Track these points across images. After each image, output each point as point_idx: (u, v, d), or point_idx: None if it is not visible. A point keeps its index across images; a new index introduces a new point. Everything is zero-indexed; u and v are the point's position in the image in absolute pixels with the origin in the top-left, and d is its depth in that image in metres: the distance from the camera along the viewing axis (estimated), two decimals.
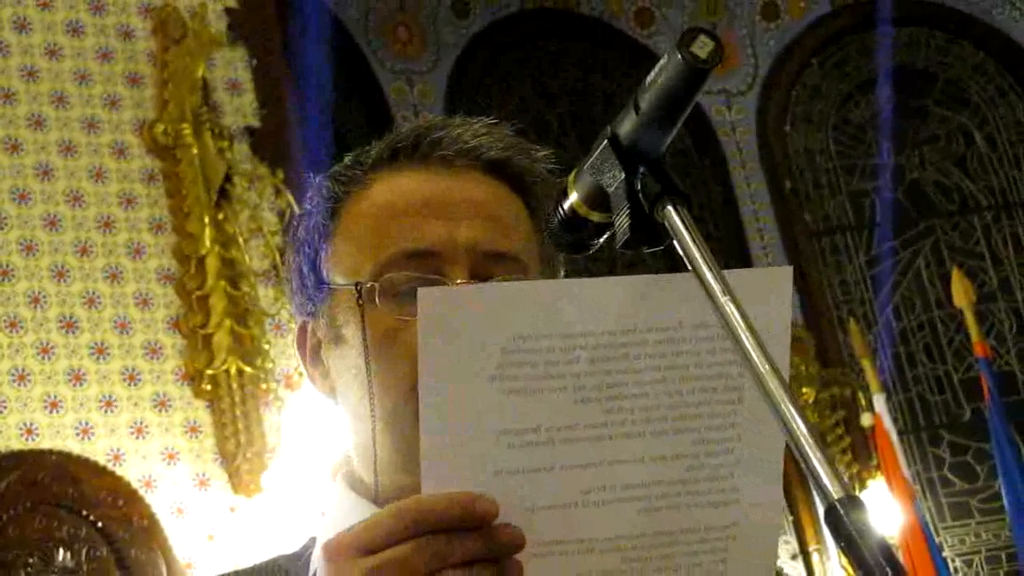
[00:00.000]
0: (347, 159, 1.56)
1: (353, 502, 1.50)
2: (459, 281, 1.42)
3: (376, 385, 1.44)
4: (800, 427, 0.99)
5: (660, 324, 1.13)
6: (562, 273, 1.56)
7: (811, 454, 0.98)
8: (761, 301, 1.14)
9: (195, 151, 5.26)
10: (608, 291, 1.14)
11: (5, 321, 4.88)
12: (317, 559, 1.47)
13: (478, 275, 1.44)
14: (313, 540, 1.54)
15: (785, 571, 1.64)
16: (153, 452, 4.94)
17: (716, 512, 1.17)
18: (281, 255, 5.28)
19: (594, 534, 1.15)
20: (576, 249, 1.25)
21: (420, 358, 1.12)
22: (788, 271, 1.17)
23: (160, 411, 5.00)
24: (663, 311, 1.13)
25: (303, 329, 1.56)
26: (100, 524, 4.70)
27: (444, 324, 1.11)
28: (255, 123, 5.56)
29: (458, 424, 1.12)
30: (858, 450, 8.10)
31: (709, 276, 1.07)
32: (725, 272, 1.12)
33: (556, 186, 1.52)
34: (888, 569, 0.92)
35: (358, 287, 1.45)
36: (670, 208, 1.12)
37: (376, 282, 1.44)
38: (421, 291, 1.11)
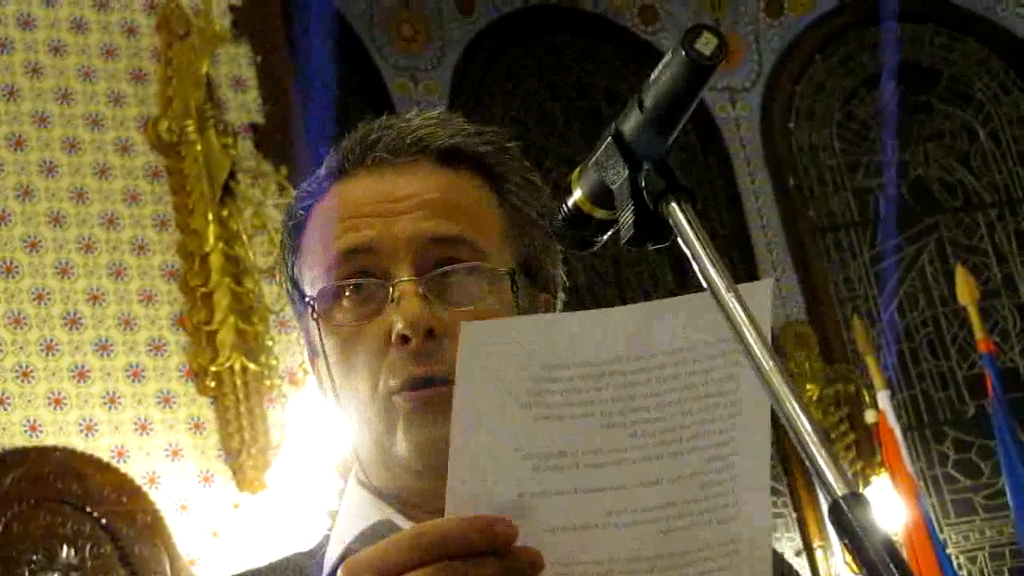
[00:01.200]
0: (312, 176, 1.57)
1: (365, 499, 1.51)
2: (403, 278, 1.43)
3: (344, 393, 1.47)
4: (804, 424, 0.99)
5: (675, 347, 1.14)
6: (558, 251, 1.55)
7: (815, 451, 0.98)
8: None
9: (199, 148, 5.27)
10: (629, 319, 1.14)
11: (9, 318, 4.88)
12: (336, 564, 1.47)
13: (423, 265, 1.44)
14: (327, 537, 1.54)
15: (786, 557, 1.64)
16: (157, 448, 4.94)
17: (722, 528, 1.18)
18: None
19: (614, 555, 1.16)
20: (580, 246, 1.26)
21: (457, 385, 1.12)
22: (769, 283, 1.17)
23: (164, 407, 5.00)
24: (676, 334, 1.14)
25: (305, 341, 1.58)
26: (104, 520, 4.71)
27: (483, 354, 1.13)
28: (259, 120, 5.56)
29: (487, 447, 1.14)
30: (862, 447, 8.10)
31: (713, 273, 1.07)
32: (702, 294, 1.12)
33: (518, 156, 1.53)
34: (892, 566, 0.92)
35: (308, 302, 1.47)
36: (674, 205, 1.12)
37: (319, 293, 1.46)
38: (464, 325, 1.12)
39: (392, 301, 1.42)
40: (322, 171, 1.55)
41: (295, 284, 1.54)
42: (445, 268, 1.44)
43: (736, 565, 1.19)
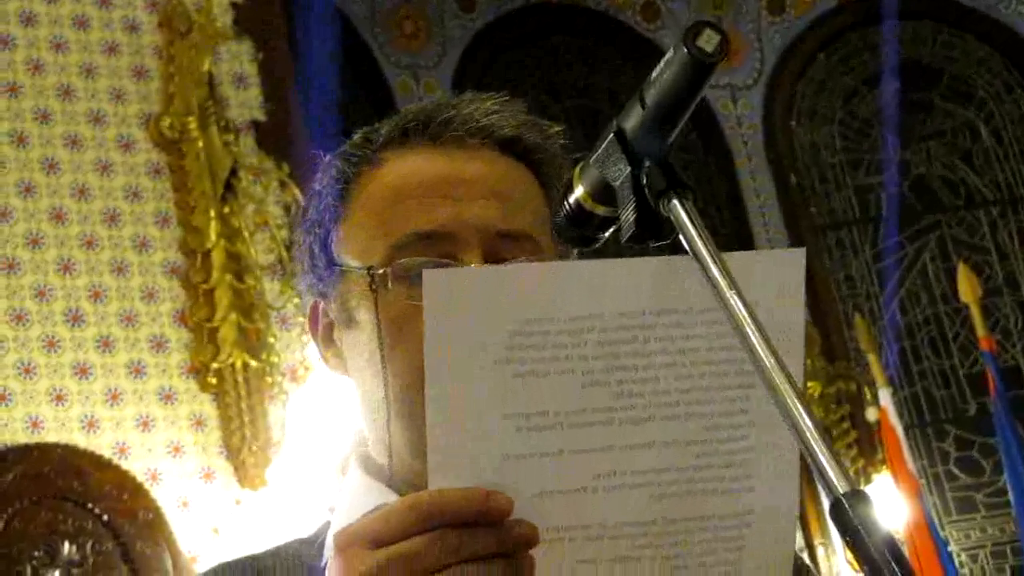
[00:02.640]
0: (356, 137, 1.55)
1: (367, 485, 1.50)
2: (472, 264, 1.42)
3: (389, 369, 1.43)
4: (806, 421, 0.99)
5: (670, 307, 1.12)
6: (575, 251, 1.55)
7: (817, 448, 0.98)
8: (773, 285, 1.13)
9: (201, 145, 5.27)
10: (616, 273, 1.13)
11: (11, 314, 4.88)
12: (329, 547, 1.47)
13: (491, 256, 1.44)
14: (327, 524, 1.54)
15: (805, 559, 1.63)
16: (158, 445, 4.94)
17: (729, 499, 1.16)
18: (287, 248, 5.28)
19: (603, 520, 1.15)
20: (582, 243, 1.25)
21: (426, 341, 1.10)
22: (801, 253, 1.15)
23: (165, 404, 5.01)
24: (673, 294, 1.12)
25: (315, 309, 1.55)
26: (105, 517, 4.71)
27: (450, 307, 1.10)
28: (261, 117, 5.56)
29: (465, 407, 1.11)
30: (864, 445, 8.10)
31: (715, 270, 1.07)
32: (737, 254, 1.11)
33: (567, 163, 1.52)
34: (893, 564, 0.92)
35: (371, 272, 1.44)
36: (676, 202, 1.12)
37: (388, 267, 1.44)
38: (427, 273, 1.10)
39: None
40: (375, 136, 1.52)
41: (326, 249, 1.51)
42: (515, 262, 1.43)
43: (750, 539, 1.17)
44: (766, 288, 1.12)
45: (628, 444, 1.13)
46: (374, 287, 1.44)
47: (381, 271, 1.44)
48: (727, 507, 1.16)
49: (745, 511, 1.17)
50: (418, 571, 1.10)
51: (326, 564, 1.46)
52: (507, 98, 1.53)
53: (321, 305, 1.54)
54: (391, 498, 1.45)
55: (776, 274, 1.14)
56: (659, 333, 1.13)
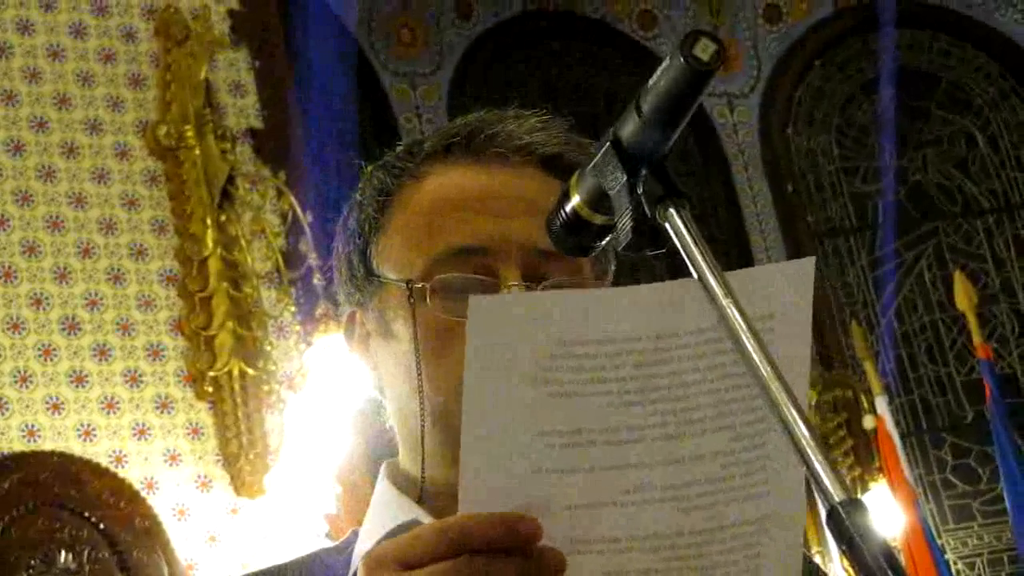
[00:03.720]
0: (399, 149, 1.56)
1: (395, 499, 1.50)
2: (512, 283, 1.43)
3: (426, 382, 1.44)
4: (802, 430, 0.99)
5: (699, 326, 1.12)
6: (613, 266, 1.56)
7: (813, 457, 0.98)
8: (781, 294, 1.14)
9: (197, 153, 5.27)
10: (650, 297, 1.14)
11: (7, 323, 4.88)
12: (357, 562, 1.47)
13: (531, 274, 1.44)
14: (355, 533, 1.54)
15: (815, 560, 1.63)
16: (155, 454, 4.94)
17: (748, 507, 1.17)
18: (284, 257, 5.28)
19: (631, 533, 1.15)
20: (578, 252, 1.26)
21: (467, 362, 1.11)
22: (810, 262, 1.16)
23: (162, 413, 5.00)
24: (701, 312, 1.12)
25: (351, 318, 1.56)
26: (102, 525, 4.70)
27: (492, 331, 1.12)
28: (258, 125, 5.56)
29: (500, 427, 1.12)
30: (860, 453, 8.09)
31: (710, 278, 1.07)
32: (747, 271, 1.13)
33: None
34: (890, 572, 0.92)
35: (409, 285, 1.45)
36: (672, 210, 1.12)
37: (428, 282, 1.44)
38: (472, 299, 1.11)
39: None
40: (418, 150, 1.53)
41: (365, 259, 1.52)
42: (556, 280, 1.45)
43: (766, 544, 1.18)
44: (774, 300, 1.13)
45: (658, 460, 1.14)
46: (412, 301, 1.45)
47: (420, 285, 1.45)
48: (746, 514, 1.17)
49: (762, 517, 1.17)
50: None
51: (354, 574, 1.47)
52: (548, 115, 1.54)
53: (358, 315, 1.55)
54: (417, 512, 1.46)
55: (784, 285, 1.14)
56: (690, 351, 1.14)
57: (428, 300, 1.44)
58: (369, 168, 1.57)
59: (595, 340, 1.12)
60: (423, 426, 1.45)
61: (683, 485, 1.15)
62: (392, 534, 1.44)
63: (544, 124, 1.53)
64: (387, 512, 1.49)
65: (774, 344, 1.11)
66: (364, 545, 1.48)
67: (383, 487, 1.53)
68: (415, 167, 1.52)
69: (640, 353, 1.13)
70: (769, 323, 1.13)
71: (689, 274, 1.11)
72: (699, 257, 1.08)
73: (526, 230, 1.45)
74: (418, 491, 1.49)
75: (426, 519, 1.44)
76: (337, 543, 1.57)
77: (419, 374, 1.44)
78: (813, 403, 8.08)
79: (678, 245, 1.11)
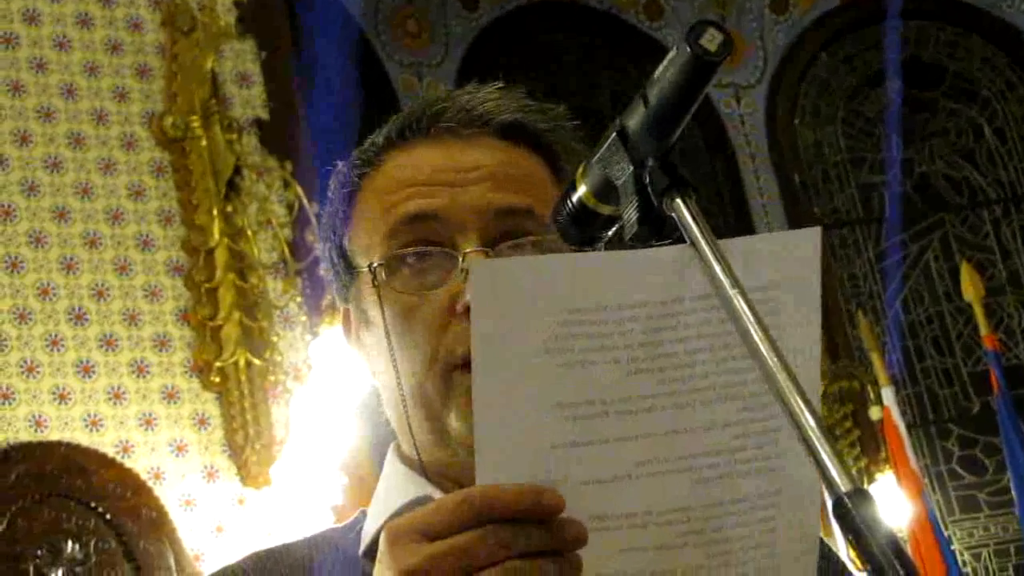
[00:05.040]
0: (365, 143, 1.56)
1: (407, 475, 1.50)
2: (468, 249, 1.41)
3: (401, 363, 1.44)
4: (808, 420, 0.99)
5: (706, 291, 1.11)
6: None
7: (819, 447, 0.97)
8: (787, 267, 1.13)
9: (204, 143, 5.27)
10: (657, 261, 1.12)
11: (14, 313, 4.88)
12: (375, 536, 1.46)
13: (489, 236, 1.43)
14: (363, 513, 1.54)
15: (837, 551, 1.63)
16: (162, 444, 4.95)
17: (763, 479, 1.16)
18: (290, 247, 5.28)
19: (646, 507, 1.14)
20: (585, 242, 1.25)
21: (473, 332, 1.10)
22: (816, 232, 1.15)
23: (169, 403, 5.01)
24: (705, 277, 1.11)
25: (346, 314, 1.56)
26: (109, 516, 4.71)
27: (497, 298, 1.10)
28: (264, 115, 5.56)
29: (512, 399, 1.11)
30: (867, 443, 8.10)
31: (717, 268, 1.07)
32: (751, 238, 1.12)
33: (575, 137, 1.52)
34: (896, 563, 0.91)
35: (371, 268, 1.45)
36: (678, 201, 1.11)
37: (383, 260, 1.44)
38: (474, 265, 1.12)
39: (460, 271, 1.41)
40: (379, 139, 1.53)
41: (343, 254, 1.52)
42: (516, 241, 1.43)
43: (781, 518, 1.17)
44: (779, 271, 1.12)
45: (669, 430, 1.13)
46: (376, 283, 1.45)
47: (377, 264, 1.45)
48: (760, 487, 1.16)
49: (775, 491, 1.17)
50: (469, 566, 1.09)
51: (364, 552, 1.47)
52: (504, 86, 1.53)
53: (349, 310, 1.55)
54: (429, 489, 1.46)
55: (789, 256, 1.13)
56: (697, 318, 1.12)
57: (385, 278, 1.44)
58: (339, 165, 1.57)
59: (603, 307, 1.11)
60: (406, 410, 1.45)
61: (694, 456, 1.14)
62: (407, 507, 1.43)
63: (500, 94, 1.52)
64: (399, 488, 1.49)
65: (781, 313, 1.11)
66: (375, 522, 1.48)
67: (392, 466, 1.53)
68: (375, 156, 1.52)
69: (647, 319, 1.11)
70: (775, 292, 1.12)
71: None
72: (705, 248, 1.08)
73: (482, 194, 1.44)
74: (420, 471, 1.48)
75: (438, 495, 1.43)
76: (345, 523, 1.57)
77: (392, 356, 1.44)
78: (820, 394, 8.09)
79: (685, 236, 1.10)
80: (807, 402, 1.00)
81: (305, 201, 5.27)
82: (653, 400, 1.13)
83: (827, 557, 1.47)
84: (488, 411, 1.11)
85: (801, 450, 1.11)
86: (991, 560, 8.60)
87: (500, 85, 1.54)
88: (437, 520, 1.11)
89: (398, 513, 1.44)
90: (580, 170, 1.22)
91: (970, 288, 7.47)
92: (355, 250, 1.50)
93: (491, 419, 1.11)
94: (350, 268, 1.51)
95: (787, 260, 1.13)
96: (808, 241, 1.15)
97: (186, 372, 5.08)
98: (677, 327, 1.12)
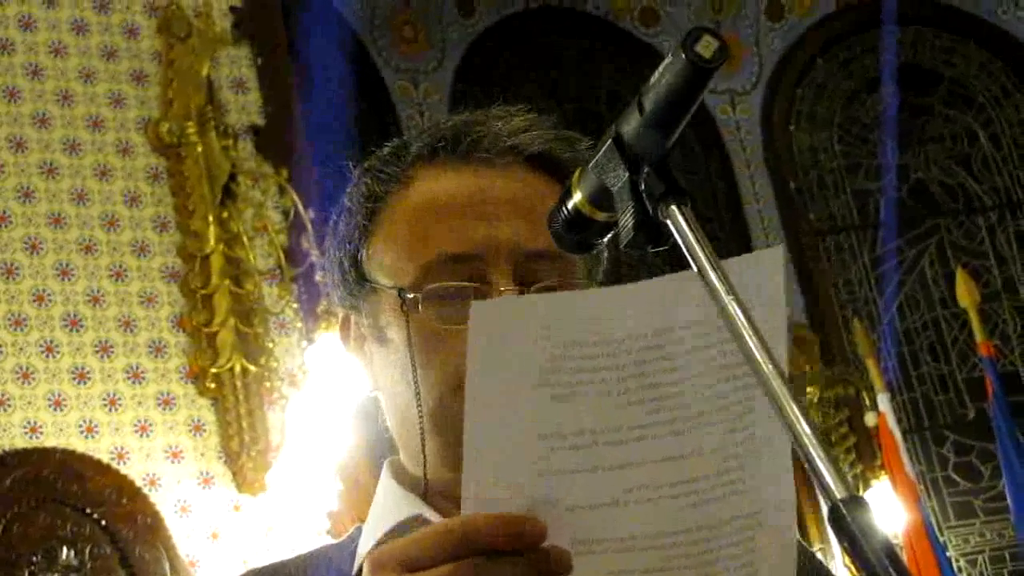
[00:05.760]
0: (385, 152, 1.55)
1: (400, 495, 1.50)
2: (503, 288, 1.43)
3: (422, 386, 1.45)
4: (804, 427, 0.99)
5: (693, 319, 1.13)
6: (604, 260, 1.56)
7: (815, 453, 0.97)
8: (753, 287, 1.13)
9: (200, 150, 5.26)
10: (647, 294, 1.14)
11: (9, 319, 4.88)
12: (360, 555, 1.48)
13: (522, 277, 1.44)
14: (359, 529, 1.54)
15: (817, 554, 1.63)
16: (157, 450, 4.94)
17: (744, 500, 1.17)
18: (286, 253, 5.28)
19: (637, 532, 1.15)
20: (580, 248, 1.25)
21: (468, 368, 1.12)
22: (778, 251, 1.16)
23: (164, 409, 5.00)
24: (694, 307, 1.13)
25: (347, 320, 1.56)
26: (104, 522, 4.71)
27: (494, 335, 1.12)
28: (260, 122, 5.56)
29: (502, 429, 1.13)
30: (862, 449, 8.10)
31: (712, 276, 1.07)
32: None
33: None
34: (892, 570, 0.91)
35: (402, 295, 1.45)
36: (674, 208, 1.12)
37: (420, 291, 1.45)
38: (474, 305, 1.12)
39: None
40: (405, 153, 1.53)
41: (356, 264, 1.52)
42: (546, 283, 1.45)
43: (760, 536, 1.18)
44: (747, 291, 1.13)
45: (659, 458, 1.15)
46: (405, 308, 1.45)
47: (412, 296, 1.45)
48: (742, 507, 1.17)
49: (755, 509, 1.17)
50: None
51: (357, 573, 1.47)
52: (534, 113, 1.54)
53: (352, 318, 1.55)
54: (422, 508, 1.46)
55: (754, 276, 1.14)
56: (685, 346, 1.14)
57: (420, 308, 1.44)
58: (356, 172, 1.57)
59: (595, 341, 1.13)
60: (422, 431, 1.46)
61: (684, 482, 1.15)
62: (397, 529, 1.45)
63: (530, 122, 1.52)
64: (391, 508, 1.49)
65: None
66: (368, 541, 1.49)
67: (387, 484, 1.53)
68: (402, 172, 1.52)
69: (639, 351, 1.13)
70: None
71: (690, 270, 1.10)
72: (701, 255, 1.08)
73: (515, 234, 1.46)
74: (421, 489, 1.49)
75: (430, 514, 1.45)
76: (340, 539, 1.57)
77: (415, 381, 1.45)
78: (815, 400, 8.09)
79: (680, 243, 1.10)
80: (802, 408, 1.00)
81: (301, 207, 5.27)
82: (642, 430, 1.14)
83: (804, 553, 1.47)
84: (477, 442, 1.13)
85: (776, 464, 1.13)
86: (986, 567, 8.59)
87: (530, 112, 1.54)
88: (418, 551, 1.12)
89: (388, 533, 1.45)
90: (576, 176, 1.22)
91: (965, 294, 7.48)
92: (375, 265, 1.50)
93: (479, 450, 1.13)
94: (363, 279, 1.51)
95: (752, 282, 1.14)
96: (772, 260, 1.15)
97: (181, 378, 5.08)
98: (667, 358, 1.14)
